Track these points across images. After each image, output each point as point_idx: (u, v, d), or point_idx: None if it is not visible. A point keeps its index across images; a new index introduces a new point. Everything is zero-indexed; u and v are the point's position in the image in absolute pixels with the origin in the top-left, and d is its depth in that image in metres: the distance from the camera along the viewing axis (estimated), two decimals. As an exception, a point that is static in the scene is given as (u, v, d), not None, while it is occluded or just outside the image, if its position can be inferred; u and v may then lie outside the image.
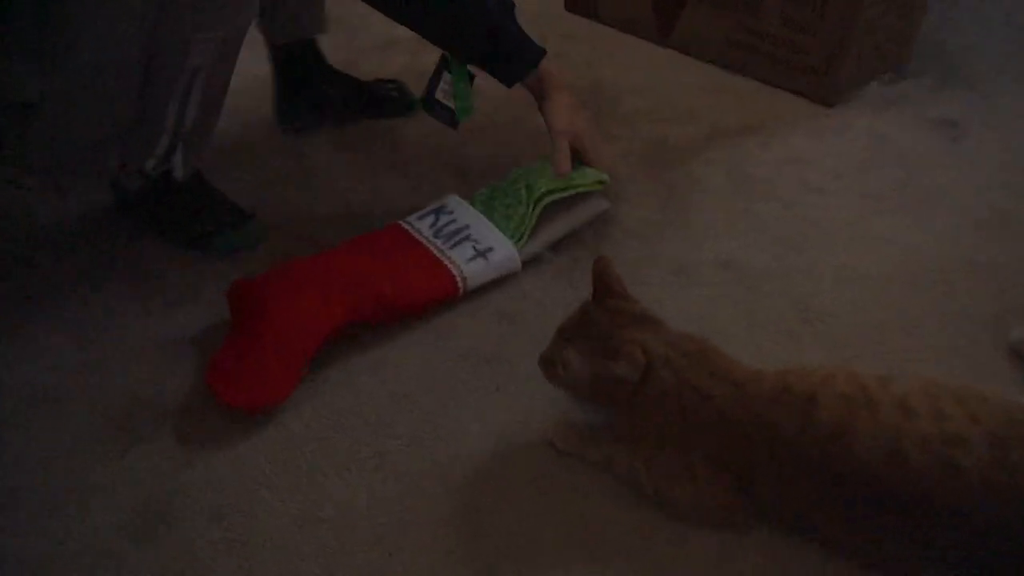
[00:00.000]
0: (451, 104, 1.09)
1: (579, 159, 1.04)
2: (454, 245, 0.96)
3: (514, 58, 1.03)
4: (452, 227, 0.99)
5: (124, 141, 0.88)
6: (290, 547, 0.69)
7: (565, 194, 1.01)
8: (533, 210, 0.99)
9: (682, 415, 0.69)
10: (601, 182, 1.04)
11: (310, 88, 1.27)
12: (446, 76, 1.09)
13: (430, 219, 1.00)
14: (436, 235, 0.98)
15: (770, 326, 0.92)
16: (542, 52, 1.04)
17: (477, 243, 0.96)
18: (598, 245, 1.04)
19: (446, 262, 0.93)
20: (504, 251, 0.95)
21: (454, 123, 1.10)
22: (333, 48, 1.58)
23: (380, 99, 1.33)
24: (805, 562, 0.68)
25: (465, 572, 0.67)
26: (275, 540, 0.70)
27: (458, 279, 0.92)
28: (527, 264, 0.99)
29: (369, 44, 1.63)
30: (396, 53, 1.57)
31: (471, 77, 1.09)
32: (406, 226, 1.00)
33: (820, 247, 1.04)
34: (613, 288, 0.75)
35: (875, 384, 0.67)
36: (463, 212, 1.01)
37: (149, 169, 0.94)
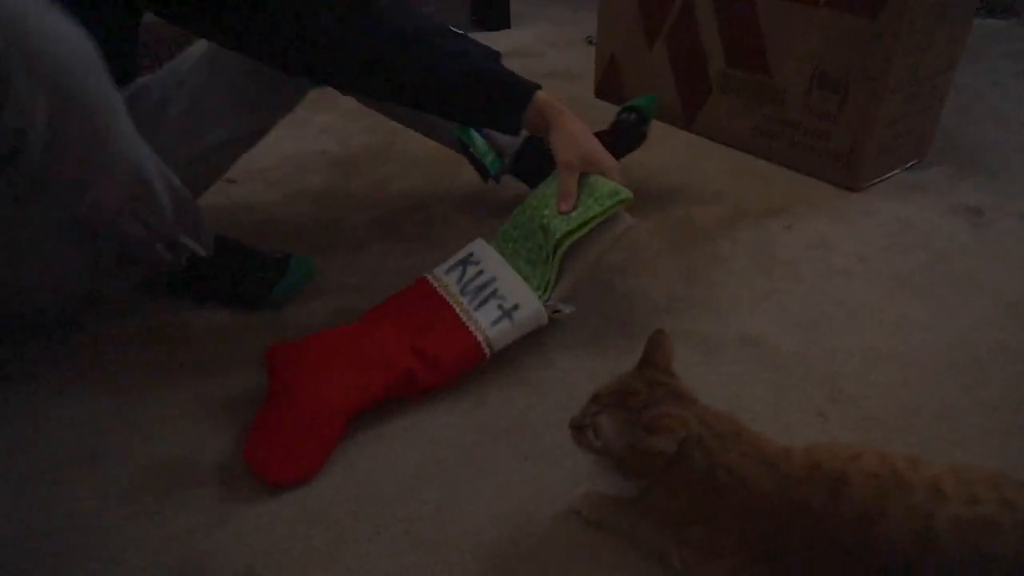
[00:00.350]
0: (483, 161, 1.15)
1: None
2: (480, 304, 0.96)
3: (507, 100, 1.01)
4: (479, 280, 0.99)
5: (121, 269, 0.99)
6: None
7: (583, 232, 0.96)
8: (553, 258, 0.96)
9: (715, 494, 0.69)
10: (621, 200, 0.96)
11: None
12: (473, 150, 1.16)
13: (457, 272, 1.01)
14: (463, 291, 0.98)
15: (798, 405, 0.92)
16: (535, 86, 1.01)
17: (503, 300, 0.96)
18: (626, 317, 1.07)
19: (471, 327, 0.94)
20: (530, 308, 0.95)
21: (487, 177, 1.17)
22: (369, 128, 1.66)
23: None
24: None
25: (490, 643, 0.67)
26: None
27: (483, 345, 0.93)
28: (555, 331, 1.02)
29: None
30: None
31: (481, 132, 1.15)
32: (433, 282, 1.01)
33: (846, 328, 1.05)
34: (659, 362, 0.76)
35: (904, 464, 0.67)
36: (489, 261, 1.01)
37: (172, 264, 1.00)
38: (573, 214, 0.96)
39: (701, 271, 1.17)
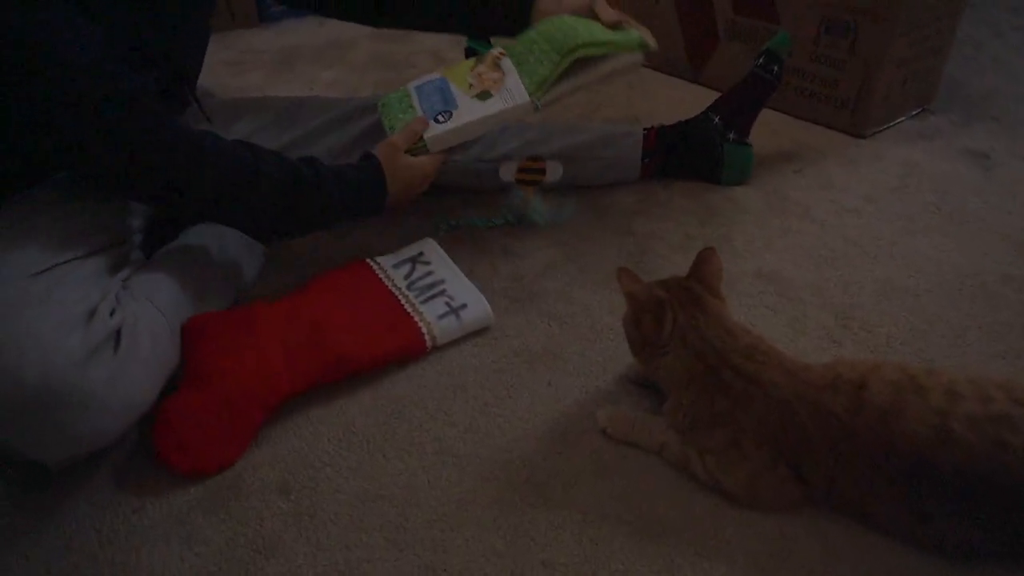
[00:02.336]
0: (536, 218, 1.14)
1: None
2: (426, 300, 0.94)
3: None
4: (427, 280, 0.98)
5: None
6: (354, 520, 0.72)
7: (599, 51, 0.96)
8: (562, 60, 0.95)
9: (736, 402, 0.72)
10: (645, 46, 0.99)
11: None
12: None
13: (405, 268, 1.00)
14: (409, 287, 0.96)
15: (812, 333, 0.94)
16: None
17: (451, 299, 0.94)
18: (642, 256, 1.08)
19: (416, 318, 0.91)
20: (478, 308, 0.94)
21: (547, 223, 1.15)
22: (376, 84, 1.66)
23: None
24: (858, 546, 0.69)
25: (523, 551, 0.69)
26: (340, 514, 0.72)
27: (427, 337, 0.90)
28: (573, 269, 1.04)
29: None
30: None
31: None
32: (377, 270, 0.99)
33: (858, 263, 1.07)
34: (704, 276, 0.79)
35: (922, 373, 0.70)
36: (439, 263, 1.01)
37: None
38: (598, 31, 0.97)
39: (715, 212, 1.19)
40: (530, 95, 0.98)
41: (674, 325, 0.75)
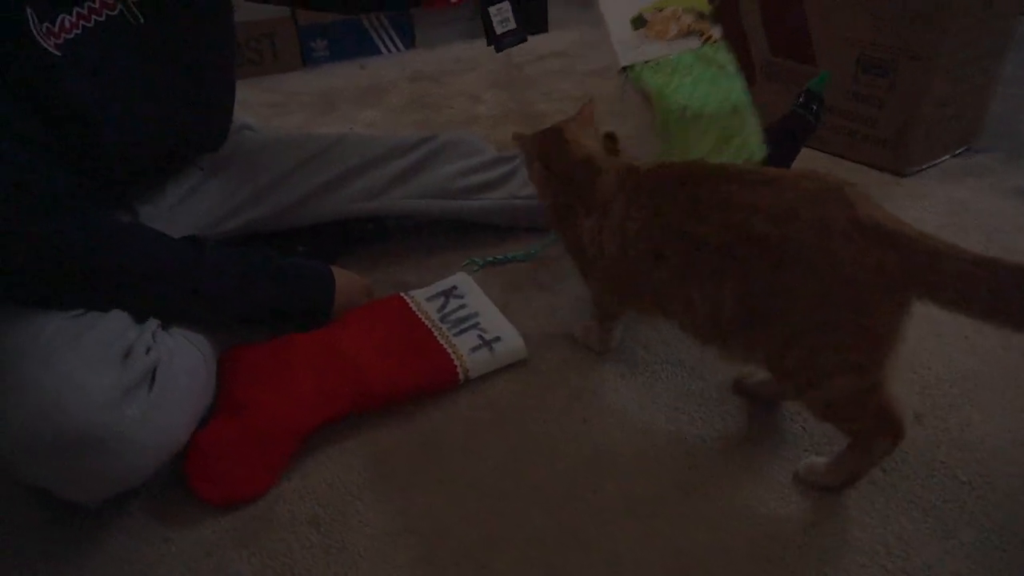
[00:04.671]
0: (513, 27, 1.08)
1: None
2: (460, 332, 0.94)
3: None
4: (461, 313, 0.98)
5: None
6: (383, 555, 0.70)
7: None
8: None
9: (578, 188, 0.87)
10: None
11: None
12: (493, 9, 1.07)
13: (439, 301, 1.00)
14: (443, 320, 0.96)
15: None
16: None
17: (484, 332, 0.94)
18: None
19: (448, 350, 0.91)
20: (511, 341, 0.93)
21: (525, 37, 1.10)
22: (413, 124, 1.70)
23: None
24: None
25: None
26: (369, 548, 0.71)
27: (459, 369, 0.89)
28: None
29: (446, 120, 1.74)
30: (475, 127, 1.68)
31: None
32: (411, 304, 0.99)
33: (904, 301, 1.04)
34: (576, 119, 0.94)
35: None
36: (473, 296, 1.01)
37: None
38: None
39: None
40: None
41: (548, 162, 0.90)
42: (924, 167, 1.41)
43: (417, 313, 0.97)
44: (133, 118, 0.86)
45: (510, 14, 1.07)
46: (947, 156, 1.44)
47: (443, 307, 0.99)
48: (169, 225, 0.97)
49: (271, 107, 1.89)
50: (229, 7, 1.01)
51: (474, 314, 0.98)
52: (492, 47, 1.09)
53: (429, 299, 1.01)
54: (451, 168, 1.13)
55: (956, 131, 1.43)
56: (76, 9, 0.78)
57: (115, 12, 0.82)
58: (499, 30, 1.07)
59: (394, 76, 2.07)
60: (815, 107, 1.23)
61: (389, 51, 2.30)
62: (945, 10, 1.23)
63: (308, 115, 1.83)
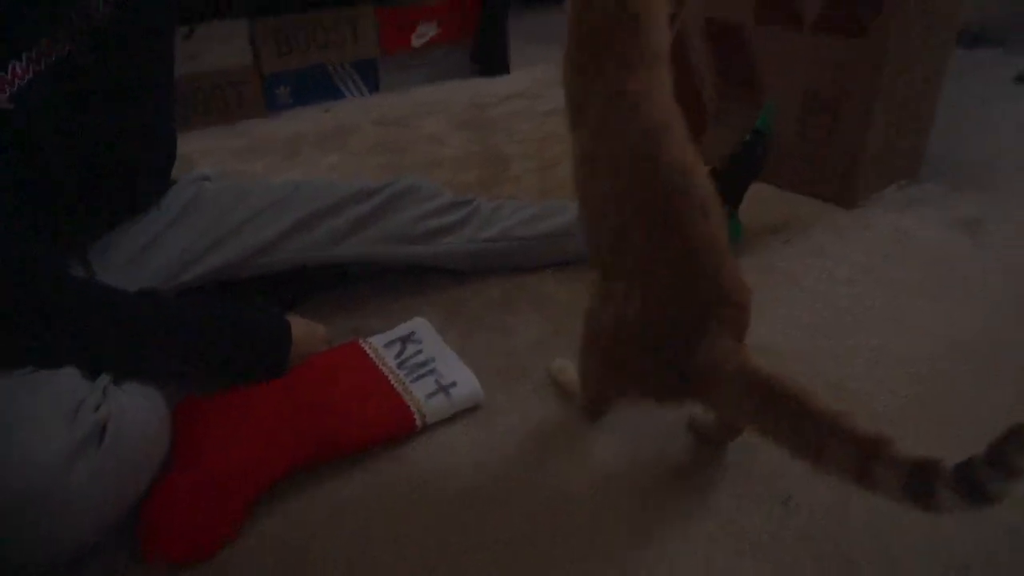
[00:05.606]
0: None
1: None
2: (417, 378, 0.95)
3: None
4: (418, 358, 0.99)
5: None
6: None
7: None
8: None
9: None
10: None
11: None
12: None
13: (396, 347, 1.01)
14: (400, 366, 0.97)
15: (806, 404, 0.94)
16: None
17: (441, 377, 0.95)
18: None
19: (405, 397, 0.92)
20: (467, 385, 0.94)
21: None
22: (377, 168, 1.72)
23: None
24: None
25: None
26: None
27: (416, 416, 0.90)
28: (564, 344, 1.04)
29: (410, 163, 1.77)
30: (439, 170, 1.71)
31: None
32: (369, 351, 1.00)
33: (850, 332, 1.07)
34: None
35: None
36: (429, 342, 1.02)
37: None
38: None
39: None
40: None
41: None
42: (870, 199, 1.46)
43: (375, 360, 0.98)
44: (84, 155, 0.88)
45: None
46: (892, 187, 1.50)
47: (400, 352, 1.00)
48: (125, 278, 0.98)
49: (235, 153, 1.90)
50: (172, 28, 1.04)
51: (431, 359, 0.99)
52: None
53: (387, 345, 1.02)
54: (410, 213, 1.15)
55: (899, 164, 1.49)
56: (26, 54, 0.79)
57: (64, 53, 0.83)
58: None
59: (358, 120, 2.10)
60: (762, 143, 1.28)
61: (353, 95, 2.34)
62: (879, 52, 1.29)
63: (272, 160, 1.85)
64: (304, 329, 0.98)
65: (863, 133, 1.36)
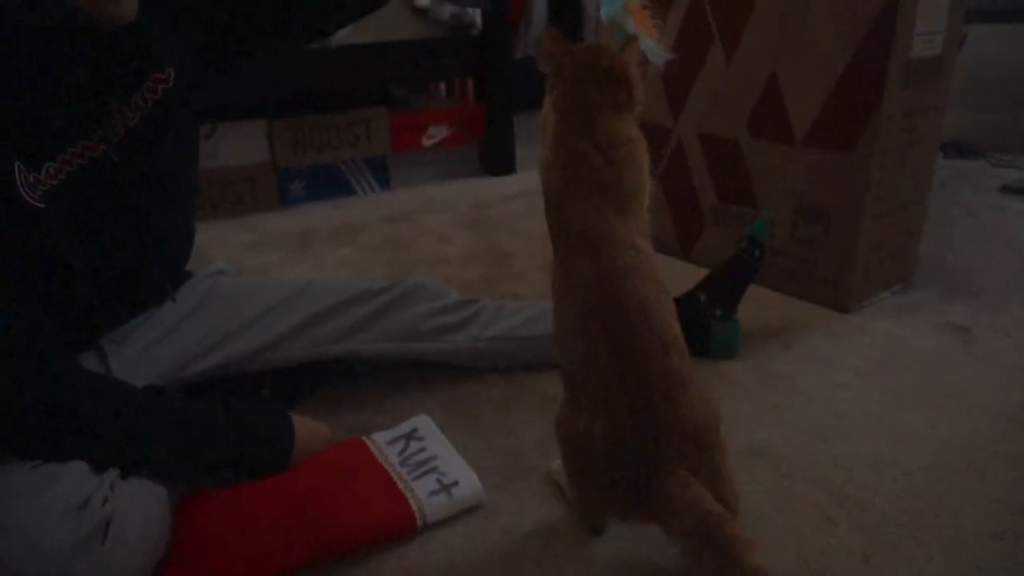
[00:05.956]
0: None
1: None
2: (418, 476, 0.96)
3: None
4: (420, 456, 1.00)
5: None
6: None
7: None
8: None
9: None
10: None
11: None
12: None
13: (399, 445, 1.02)
14: (403, 463, 0.98)
15: (805, 512, 0.94)
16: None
17: (443, 476, 0.96)
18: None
19: (407, 495, 0.92)
20: (469, 485, 0.95)
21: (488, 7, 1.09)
22: (384, 264, 1.78)
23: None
24: None
25: None
26: None
27: (417, 516, 0.90)
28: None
29: (416, 259, 1.82)
30: (444, 267, 1.76)
31: None
32: (372, 448, 1.01)
33: (848, 438, 1.08)
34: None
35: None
36: (432, 439, 1.04)
37: None
38: None
39: (706, 388, 1.22)
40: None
41: None
42: (865, 304, 1.50)
43: (378, 457, 0.99)
44: (105, 254, 0.91)
45: None
46: (885, 293, 1.54)
47: (403, 450, 1.01)
48: (137, 367, 1.01)
49: (248, 246, 1.96)
50: (197, 129, 1.10)
51: (433, 457, 1.00)
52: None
53: (390, 442, 1.03)
54: (415, 311, 1.19)
55: (891, 270, 1.54)
56: (60, 156, 0.84)
57: (97, 154, 0.88)
58: None
59: (368, 216, 2.18)
60: (757, 251, 1.33)
61: (365, 192, 2.43)
62: (865, 166, 1.36)
63: (283, 254, 1.90)
64: (308, 428, 1.00)
65: (854, 242, 1.42)
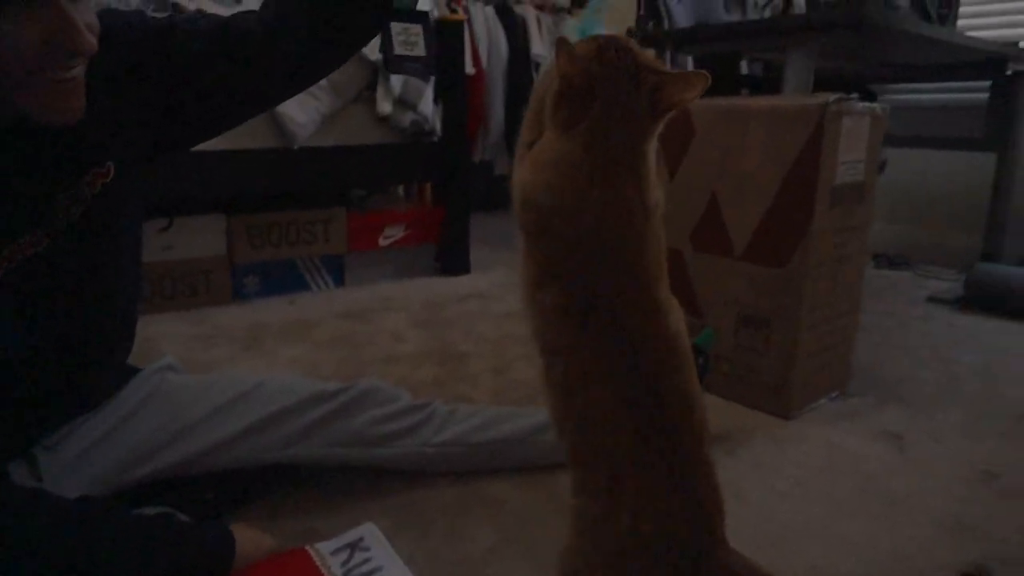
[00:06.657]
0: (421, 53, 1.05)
1: None
2: None
3: None
4: (365, 567, 0.98)
5: None
6: None
7: None
8: None
9: None
10: None
11: None
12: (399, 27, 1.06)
13: (344, 555, 1.00)
14: (346, 575, 0.97)
15: (752, 624, 0.94)
16: None
17: None
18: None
19: None
20: None
21: (428, 78, 1.06)
22: (337, 361, 1.78)
23: None
24: None
25: None
26: None
27: None
28: (516, 553, 1.04)
29: (369, 358, 1.82)
30: (397, 366, 1.76)
31: None
32: (315, 557, 0.99)
33: (790, 548, 1.10)
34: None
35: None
36: (379, 549, 1.02)
37: None
38: None
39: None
40: None
41: None
42: (805, 410, 1.55)
43: (321, 568, 0.97)
44: (43, 351, 0.89)
45: (420, 38, 1.05)
46: (824, 400, 1.60)
47: (347, 561, 0.99)
48: (74, 472, 0.98)
49: (198, 340, 1.94)
50: (140, 224, 1.06)
51: (379, 568, 0.98)
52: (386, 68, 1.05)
53: (334, 552, 1.00)
54: (366, 417, 1.18)
55: (829, 378, 1.61)
56: (5, 251, 0.83)
57: (41, 248, 0.87)
58: (399, 51, 1.06)
59: (322, 313, 2.18)
60: (701, 360, 1.38)
61: (319, 288, 2.44)
62: (799, 280, 1.45)
63: (233, 349, 1.88)
64: (250, 540, 0.97)
65: (793, 350, 1.49)
